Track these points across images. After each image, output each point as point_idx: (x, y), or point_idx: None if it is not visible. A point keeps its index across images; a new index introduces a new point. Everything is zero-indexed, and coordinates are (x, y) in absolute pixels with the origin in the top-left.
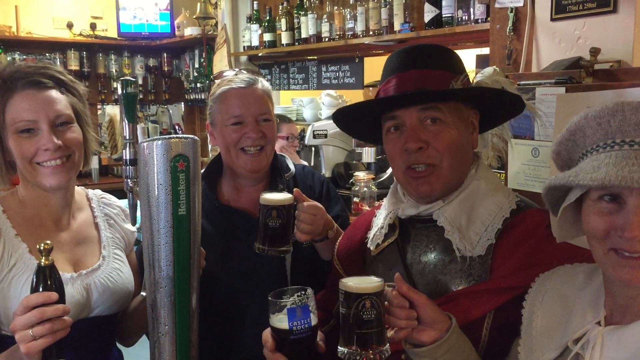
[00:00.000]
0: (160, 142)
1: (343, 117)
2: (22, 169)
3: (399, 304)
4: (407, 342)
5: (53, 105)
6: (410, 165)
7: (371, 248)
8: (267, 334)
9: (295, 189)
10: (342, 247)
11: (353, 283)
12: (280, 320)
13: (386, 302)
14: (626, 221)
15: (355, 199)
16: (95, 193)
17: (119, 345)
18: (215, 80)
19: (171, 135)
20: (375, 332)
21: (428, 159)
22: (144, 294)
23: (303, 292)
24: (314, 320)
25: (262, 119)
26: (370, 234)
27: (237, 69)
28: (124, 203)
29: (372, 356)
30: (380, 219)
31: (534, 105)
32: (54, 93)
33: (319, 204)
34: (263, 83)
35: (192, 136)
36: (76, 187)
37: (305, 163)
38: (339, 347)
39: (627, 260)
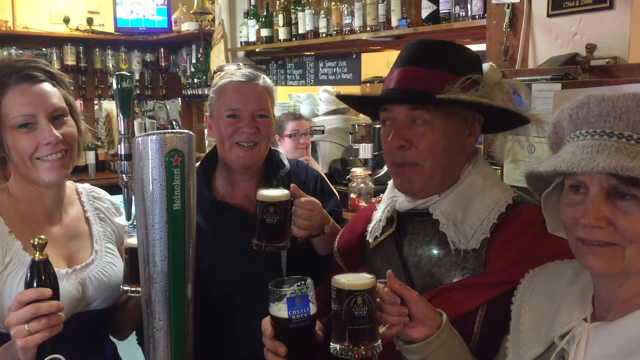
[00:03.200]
0: (154, 137)
1: (346, 100)
2: (20, 164)
3: (390, 301)
4: (399, 339)
5: (49, 99)
6: (394, 161)
7: (369, 241)
8: (266, 322)
9: (292, 185)
10: (342, 241)
11: (345, 280)
12: (280, 309)
13: (378, 299)
14: (585, 209)
15: (352, 195)
16: (85, 187)
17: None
18: (217, 73)
19: (166, 130)
20: (366, 328)
21: (409, 158)
22: (125, 288)
23: (303, 282)
24: (312, 309)
25: (258, 114)
26: (370, 227)
27: (240, 64)
28: (116, 198)
29: (363, 352)
30: (379, 212)
31: (539, 117)
32: (47, 86)
33: (315, 200)
34: (265, 79)
35: (186, 131)
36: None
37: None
38: (331, 343)
39: (589, 247)
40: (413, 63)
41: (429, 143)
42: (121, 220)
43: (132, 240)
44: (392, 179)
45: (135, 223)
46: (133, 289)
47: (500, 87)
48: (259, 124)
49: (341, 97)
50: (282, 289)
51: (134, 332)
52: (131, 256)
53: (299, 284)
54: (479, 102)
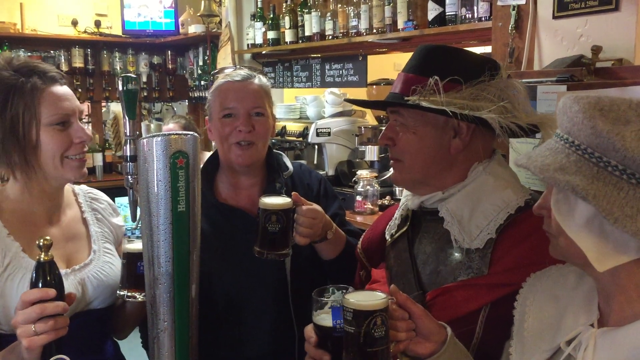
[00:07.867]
0: (159, 138)
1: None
2: (48, 163)
3: (400, 316)
4: (404, 355)
5: (75, 100)
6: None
7: (387, 238)
8: (310, 330)
9: (293, 193)
10: (365, 239)
11: (357, 300)
12: (323, 318)
13: None
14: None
15: (358, 197)
16: (82, 188)
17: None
18: (217, 75)
19: (171, 132)
20: (384, 348)
21: (393, 154)
22: (122, 293)
23: (345, 290)
24: None
25: (254, 112)
26: (388, 226)
27: (237, 66)
28: (122, 200)
29: None
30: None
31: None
32: (69, 89)
33: (318, 207)
34: (260, 79)
35: (192, 133)
36: None
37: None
38: None
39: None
40: (405, 69)
41: (404, 143)
42: (118, 220)
43: (130, 245)
44: None
45: (137, 228)
46: (130, 294)
47: (490, 89)
48: (255, 122)
49: (350, 102)
50: (324, 297)
51: (139, 334)
52: (129, 261)
53: (342, 292)
54: (428, 108)
